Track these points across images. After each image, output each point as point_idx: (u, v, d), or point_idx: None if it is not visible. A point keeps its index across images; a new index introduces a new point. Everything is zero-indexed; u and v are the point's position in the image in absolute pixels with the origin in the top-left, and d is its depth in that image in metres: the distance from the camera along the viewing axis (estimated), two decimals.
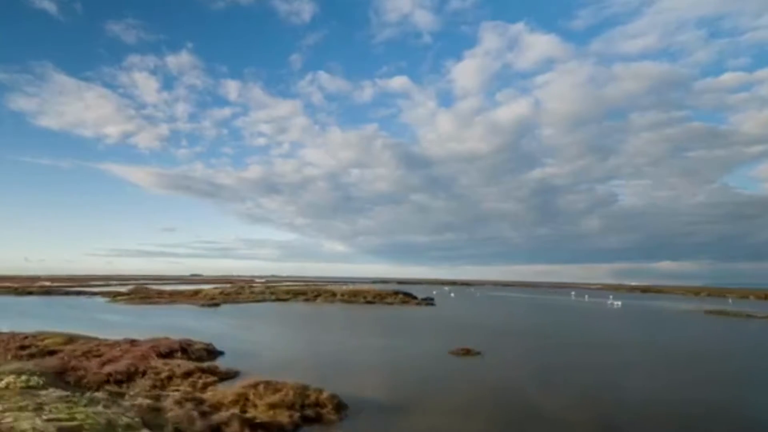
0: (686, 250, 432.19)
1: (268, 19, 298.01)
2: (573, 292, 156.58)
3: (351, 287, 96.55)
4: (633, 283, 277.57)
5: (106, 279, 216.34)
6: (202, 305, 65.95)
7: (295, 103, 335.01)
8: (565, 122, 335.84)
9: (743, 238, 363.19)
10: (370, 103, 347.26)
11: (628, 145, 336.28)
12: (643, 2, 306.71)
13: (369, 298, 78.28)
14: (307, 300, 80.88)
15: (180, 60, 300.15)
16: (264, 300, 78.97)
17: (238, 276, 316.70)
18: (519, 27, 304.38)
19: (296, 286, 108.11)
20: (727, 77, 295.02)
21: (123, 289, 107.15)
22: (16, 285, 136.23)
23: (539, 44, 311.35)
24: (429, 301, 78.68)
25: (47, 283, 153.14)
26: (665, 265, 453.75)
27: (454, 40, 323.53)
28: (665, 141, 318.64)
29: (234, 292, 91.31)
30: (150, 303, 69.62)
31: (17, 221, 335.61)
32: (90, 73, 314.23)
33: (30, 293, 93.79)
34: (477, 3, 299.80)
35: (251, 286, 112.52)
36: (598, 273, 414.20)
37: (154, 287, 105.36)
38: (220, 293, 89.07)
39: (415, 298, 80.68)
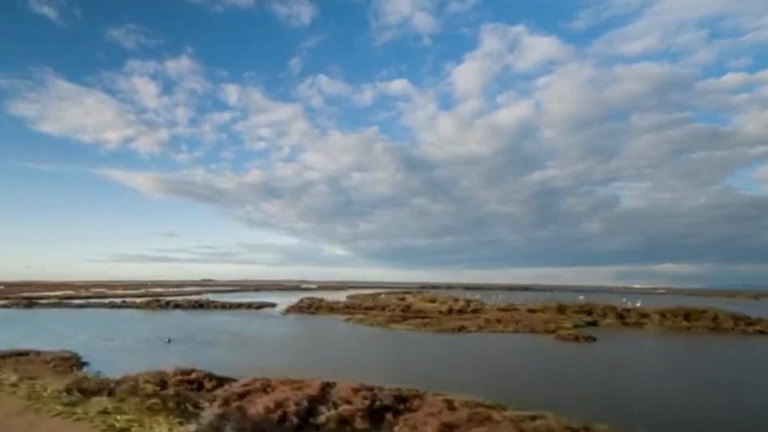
0: (688, 252, 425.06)
1: (268, 22, 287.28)
2: (736, 302, 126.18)
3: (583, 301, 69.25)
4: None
5: (164, 285, 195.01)
6: (561, 338, 39.36)
7: (295, 107, 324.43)
8: (566, 124, 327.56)
9: (745, 240, 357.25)
10: (370, 106, 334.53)
11: (630, 147, 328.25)
12: (644, 3, 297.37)
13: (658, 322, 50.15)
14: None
15: (180, 64, 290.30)
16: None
17: (253, 280, 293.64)
18: (519, 29, 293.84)
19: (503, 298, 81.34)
20: (729, 78, 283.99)
21: (278, 301, 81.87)
22: (73, 293, 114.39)
23: (540, 46, 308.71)
24: None
25: (103, 290, 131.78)
26: (667, 267, 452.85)
27: (454, 43, 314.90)
28: (667, 142, 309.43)
29: (468, 308, 64.58)
30: (443, 331, 43.51)
31: (18, 227, 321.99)
32: (90, 78, 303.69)
33: (177, 306, 69.03)
34: (477, 5, 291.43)
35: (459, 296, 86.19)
36: (600, 275, 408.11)
37: (328, 298, 79.09)
38: (450, 310, 62.71)
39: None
